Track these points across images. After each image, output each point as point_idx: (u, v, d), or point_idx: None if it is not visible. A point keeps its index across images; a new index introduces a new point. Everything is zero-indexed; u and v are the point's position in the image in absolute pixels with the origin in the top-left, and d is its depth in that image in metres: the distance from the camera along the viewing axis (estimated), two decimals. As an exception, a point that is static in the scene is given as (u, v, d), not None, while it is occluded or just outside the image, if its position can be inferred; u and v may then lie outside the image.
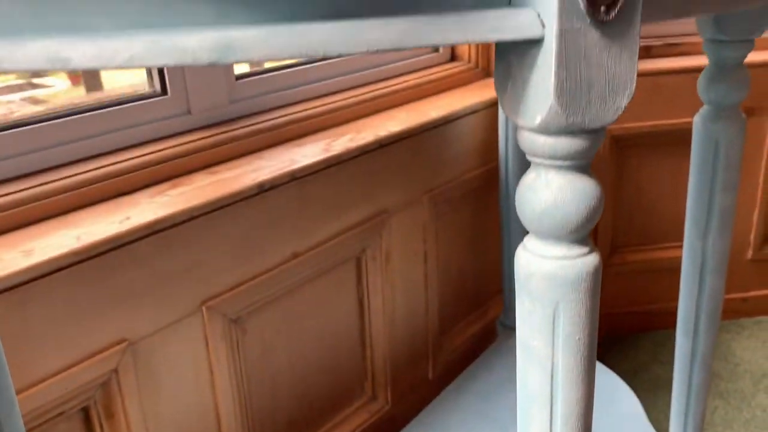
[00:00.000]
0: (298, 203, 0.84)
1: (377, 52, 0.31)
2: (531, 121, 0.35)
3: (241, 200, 0.76)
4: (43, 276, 0.61)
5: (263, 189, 0.78)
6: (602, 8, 0.32)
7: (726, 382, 1.33)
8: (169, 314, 0.72)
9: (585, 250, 0.38)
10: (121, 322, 0.68)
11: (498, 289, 1.28)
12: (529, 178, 0.37)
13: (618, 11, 0.33)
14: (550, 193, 0.36)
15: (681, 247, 0.73)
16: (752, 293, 1.52)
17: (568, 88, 0.33)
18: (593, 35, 0.33)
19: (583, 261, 0.37)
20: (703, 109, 0.69)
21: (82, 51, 0.30)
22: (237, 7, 0.31)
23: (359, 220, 0.93)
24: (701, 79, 0.68)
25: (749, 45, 0.65)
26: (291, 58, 0.30)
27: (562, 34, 0.32)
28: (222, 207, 0.74)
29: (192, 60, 0.30)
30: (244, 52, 0.30)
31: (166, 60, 0.30)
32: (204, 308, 0.75)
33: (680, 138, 1.20)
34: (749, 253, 1.47)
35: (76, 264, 0.63)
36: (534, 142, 0.36)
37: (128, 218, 0.68)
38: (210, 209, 0.73)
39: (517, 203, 0.38)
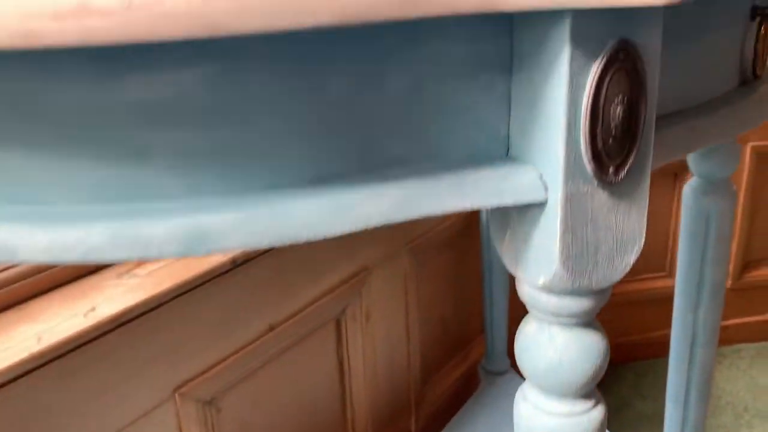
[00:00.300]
0: (274, 273, 0.80)
1: (367, 228, 0.28)
2: (533, 280, 0.32)
3: (214, 277, 0.73)
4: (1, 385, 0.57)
5: (236, 264, 0.74)
6: (611, 170, 0.29)
7: (708, 417, 1.33)
8: (139, 407, 0.68)
9: (590, 404, 0.35)
10: (88, 420, 0.64)
11: (479, 329, 1.26)
12: (531, 328, 0.34)
13: (627, 171, 0.30)
14: (554, 350, 0.33)
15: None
16: (731, 321, 1.52)
17: (573, 253, 0.30)
18: (601, 197, 0.30)
19: (588, 417, 0.35)
20: (694, 181, 0.67)
21: (31, 241, 0.26)
22: (209, 178, 0.28)
23: (339, 280, 0.89)
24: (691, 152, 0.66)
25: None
26: (272, 245, 0.27)
27: (568, 199, 0.29)
28: (194, 287, 0.71)
29: (157, 253, 0.26)
30: (218, 242, 0.26)
31: (127, 254, 0.26)
32: (177, 395, 0.71)
33: None
34: (728, 282, 1.47)
35: (38, 368, 0.59)
36: (536, 298, 0.33)
37: (93, 309, 0.64)
38: (181, 291, 0.69)
39: (516, 352, 0.35)
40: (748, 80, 0.43)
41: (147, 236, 0.26)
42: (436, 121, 0.30)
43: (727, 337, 1.53)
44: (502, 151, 0.32)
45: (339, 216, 0.28)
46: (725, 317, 1.50)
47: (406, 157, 0.30)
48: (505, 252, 0.34)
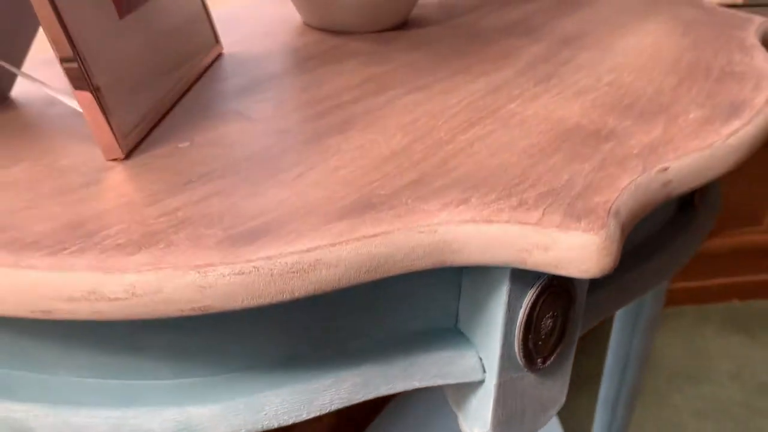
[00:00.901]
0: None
1: (326, 412, 0.33)
2: (470, 429, 0.38)
3: None
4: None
5: None
6: (539, 361, 0.35)
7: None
8: None
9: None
10: None
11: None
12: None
13: (552, 360, 0.35)
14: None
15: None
16: (678, 285, 1.62)
17: (504, 419, 0.36)
18: (530, 378, 0.35)
19: None
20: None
21: (45, 422, 0.31)
22: (194, 366, 0.33)
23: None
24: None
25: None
26: (249, 430, 0.32)
27: (501, 384, 0.35)
28: None
29: (153, 443, 0.31)
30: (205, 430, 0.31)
31: (127, 443, 0.31)
32: None
33: None
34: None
35: None
36: (472, 438, 0.39)
37: None
38: None
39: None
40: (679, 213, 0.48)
41: (145, 429, 0.31)
42: (393, 306, 0.34)
43: (671, 299, 1.64)
44: (451, 323, 0.36)
45: (306, 404, 0.33)
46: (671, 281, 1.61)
47: (365, 333, 0.35)
48: (450, 394, 0.39)
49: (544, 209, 0.30)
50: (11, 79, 0.41)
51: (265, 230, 0.28)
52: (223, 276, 0.26)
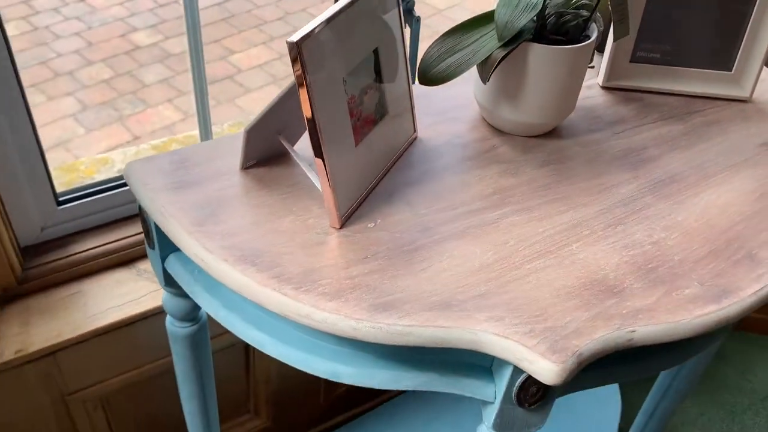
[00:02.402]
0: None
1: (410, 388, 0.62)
2: (484, 421, 0.64)
3: None
4: None
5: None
6: (527, 405, 0.60)
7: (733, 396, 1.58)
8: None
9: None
10: None
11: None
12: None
13: (537, 405, 0.60)
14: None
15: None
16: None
17: (501, 425, 0.62)
18: (519, 410, 0.61)
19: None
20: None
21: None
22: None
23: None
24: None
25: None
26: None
27: (502, 407, 0.61)
28: None
29: (317, 377, 0.62)
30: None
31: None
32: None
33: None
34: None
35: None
36: None
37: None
38: None
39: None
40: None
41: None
42: (465, 357, 0.61)
43: None
44: (489, 373, 0.63)
45: (400, 379, 0.62)
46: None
47: (458, 361, 0.62)
48: (481, 404, 0.66)
49: (540, 339, 0.55)
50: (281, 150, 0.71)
51: (391, 305, 0.56)
52: (366, 327, 0.54)
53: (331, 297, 0.57)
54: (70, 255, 0.93)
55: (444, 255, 0.62)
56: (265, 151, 0.69)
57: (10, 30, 2.57)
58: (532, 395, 0.60)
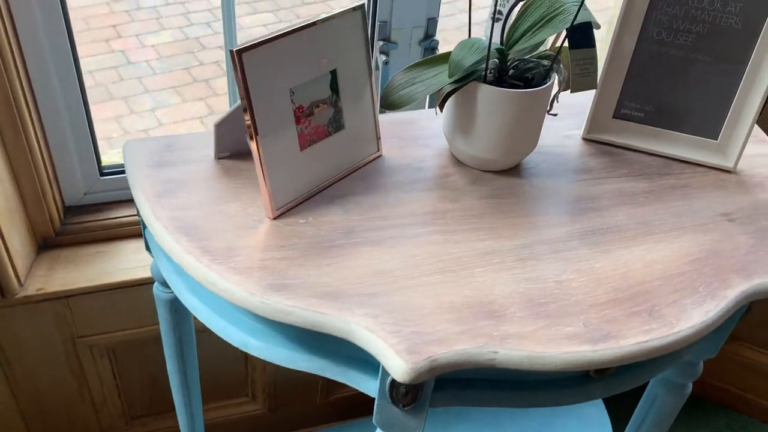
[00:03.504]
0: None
1: None
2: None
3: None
4: None
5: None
6: (401, 405, 0.65)
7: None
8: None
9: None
10: None
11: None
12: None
13: (411, 407, 0.65)
14: None
15: None
16: None
17: (382, 421, 0.67)
18: (396, 410, 0.66)
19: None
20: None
21: (200, 313, 0.73)
22: (260, 321, 0.71)
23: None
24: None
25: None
26: (265, 360, 0.70)
27: (380, 404, 0.66)
28: None
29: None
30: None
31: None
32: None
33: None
34: None
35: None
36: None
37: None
38: None
39: None
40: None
41: (229, 337, 0.71)
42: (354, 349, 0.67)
43: None
44: (373, 368, 0.68)
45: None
46: None
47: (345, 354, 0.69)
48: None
49: (402, 339, 0.60)
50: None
51: (286, 287, 0.64)
52: (256, 301, 0.62)
53: (238, 272, 0.65)
54: (104, 219, 1.09)
55: (354, 256, 0.69)
56: (238, 146, 0.79)
57: (165, 37, 2.91)
58: (403, 395, 0.65)
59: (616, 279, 0.69)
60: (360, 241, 0.71)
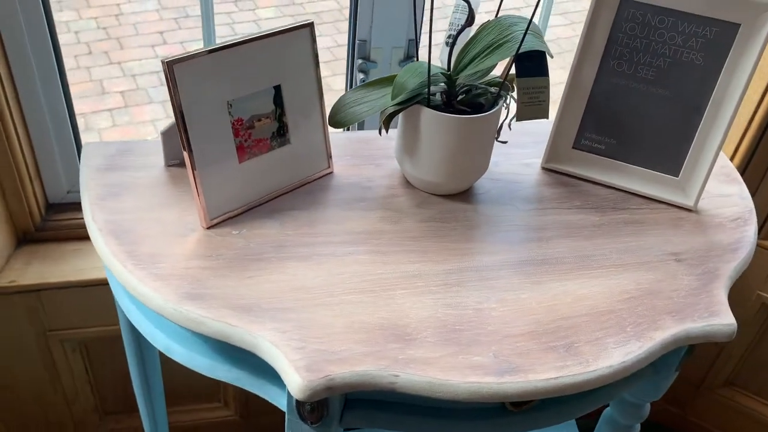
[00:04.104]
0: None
1: (220, 381, 0.70)
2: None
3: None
4: None
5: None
6: (309, 422, 0.65)
7: None
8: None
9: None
10: None
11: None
12: None
13: (319, 423, 0.65)
14: None
15: None
16: None
17: (293, 438, 0.68)
18: (306, 428, 0.66)
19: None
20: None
21: (133, 316, 0.74)
22: (187, 328, 0.72)
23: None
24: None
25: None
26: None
27: (290, 419, 0.66)
28: None
29: (156, 348, 0.72)
30: (171, 357, 0.71)
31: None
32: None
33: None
34: None
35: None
36: None
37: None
38: None
39: None
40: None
41: (156, 341, 0.72)
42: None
43: None
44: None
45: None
46: None
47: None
48: (298, 412, 0.71)
49: (304, 356, 0.60)
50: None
51: (201, 297, 0.65)
52: (171, 308, 0.64)
53: (159, 278, 0.67)
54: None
55: (278, 271, 0.69)
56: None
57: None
58: (309, 412, 0.65)
59: (541, 312, 0.68)
60: (287, 256, 0.71)
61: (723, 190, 0.88)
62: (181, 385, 1.25)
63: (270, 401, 0.69)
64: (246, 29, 3.11)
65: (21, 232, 1.09)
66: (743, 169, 1.17)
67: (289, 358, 0.61)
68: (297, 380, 0.59)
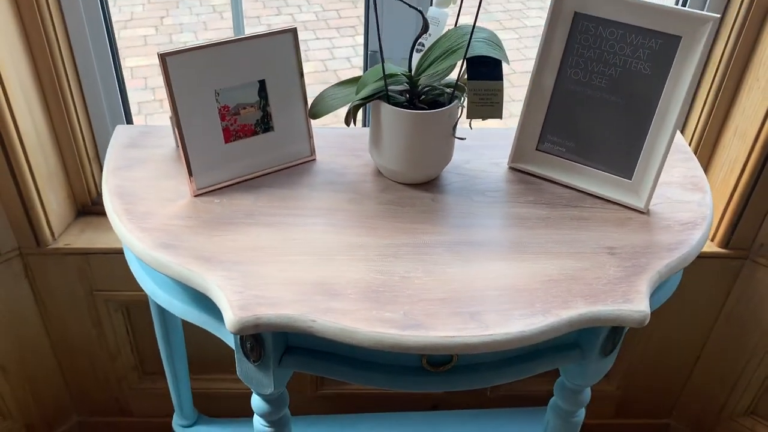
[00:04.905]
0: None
1: (190, 323, 0.83)
2: (244, 374, 0.82)
3: None
4: None
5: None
6: (252, 360, 0.77)
7: None
8: None
9: None
10: None
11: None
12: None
13: (259, 362, 0.76)
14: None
15: None
16: None
17: (244, 375, 0.79)
18: (250, 366, 0.77)
19: None
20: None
21: (133, 266, 0.89)
22: (171, 278, 0.86)
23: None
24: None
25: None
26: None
27: (239, 361, 0.78)
28: None
29: (145, 293, 0.86)
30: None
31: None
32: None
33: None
34: None
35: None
36: (249, 380, 0.83)
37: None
38: None
39: None
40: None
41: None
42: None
43: None
44: (251, 327, 0.80)
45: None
46: None
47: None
48: (254, 357, 0.83)
49: (241, 298, 0.72)
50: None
51: (173, 247, 0.78)
52: (146, 252, 0.78)
53: (144, 231, 0.81)
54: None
55: (243, 233, 0.82)
56: (194, 138, 0.96)
57: (307, 68, 3.28)
58: (250, 350, 0.76)
59: (462, 282, 0.76)
60: (254, 222, 0.84)
61: (685, 197, 0.92)
62: (209, 355, 1.41)
63: (224, 340, 0.82)
64: (344, 53, 3.35)
65: (80, 205, 1.29)
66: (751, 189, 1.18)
67: (229, 298, 0.73)
68: (231, 316, 0.71)
